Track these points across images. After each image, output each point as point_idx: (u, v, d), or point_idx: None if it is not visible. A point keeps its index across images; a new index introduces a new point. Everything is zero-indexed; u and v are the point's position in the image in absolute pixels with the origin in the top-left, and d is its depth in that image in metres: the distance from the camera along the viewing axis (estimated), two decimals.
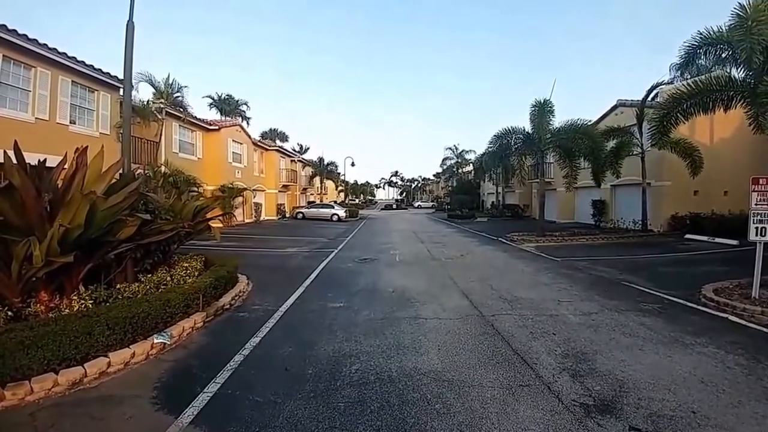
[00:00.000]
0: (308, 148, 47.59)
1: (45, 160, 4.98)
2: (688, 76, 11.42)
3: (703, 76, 10.05)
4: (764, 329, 5.33)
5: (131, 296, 5.32)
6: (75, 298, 4.81)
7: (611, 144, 17.87)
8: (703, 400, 3.43)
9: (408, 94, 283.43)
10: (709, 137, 17.84)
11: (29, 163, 4.60)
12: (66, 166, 5.14)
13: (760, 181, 6.31)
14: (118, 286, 5.55)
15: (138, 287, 5.61)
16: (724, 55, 9.31)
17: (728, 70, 9.51)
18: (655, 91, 16.83)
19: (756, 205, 6.31)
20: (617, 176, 18.15)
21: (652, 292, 7.37)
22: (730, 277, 7.54)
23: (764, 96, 7.66)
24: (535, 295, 7.17)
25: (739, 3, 8.18)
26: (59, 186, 5.00)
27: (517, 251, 13.59)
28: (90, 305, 4.78)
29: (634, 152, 17.35)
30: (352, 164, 44.15)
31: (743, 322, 5.65)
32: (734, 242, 13.39)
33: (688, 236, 15.66)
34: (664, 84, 16.42)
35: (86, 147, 5.22)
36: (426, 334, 5.19)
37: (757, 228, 6.30)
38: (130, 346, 4.36)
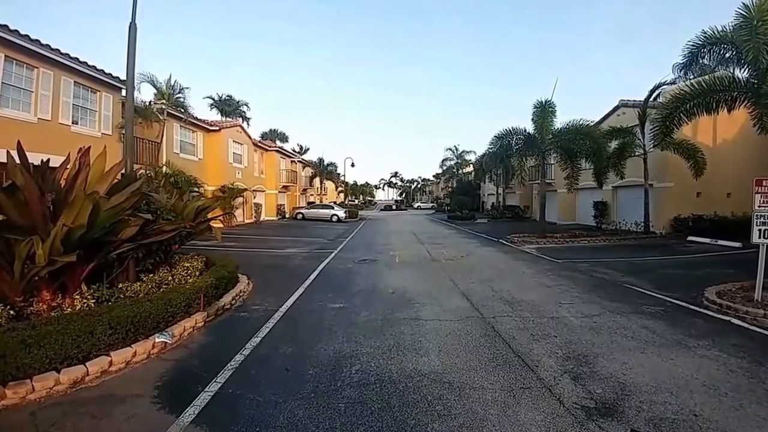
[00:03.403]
0: (308, 149, 47.64)
1: (48, 160, 5.00)
2: (692, 76, 11.38)
3: (706, 77, 10.02)
4: (767, 332, 5.31)
5: (133, 296, 5.34)
6: (77, 297, 4.83)
7: (613, 145, 17.85)
8: (705, 404, 3.42)
9: (408, 94, 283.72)
10: (712, 138, 17.79)
11: (32, 163, 4.62)
12: (69, 166, 5.16)
13: (764, 183, 6.28)
14: (120, 285, 5.56)
15: (140, 287, 5.63)
16: (728, 55, 9.26)
17: (732, 71, 9.48)
18: (657, 92, 16.77)
19: (759, 207, 6.28)
20: (621, 177, 18.09)
21: (654, 294, 7.34)
22: (732, 280, 7.51)
23: None
24: (536, 297, 7.15)
25: (743, 3, 8.15)
26: (62, 186, 5.02)
27: (517, 253, 13.58)
28: (92, 304, 4.79)
29: (637, 153, 17.32)
30: (352, 165, 44.31)
31: (746, 325, 5.62)
32: (737, 244, 13.32)
33: (690, 238, 15.61)
34: (667, 84, 16.39)
35: (89, 147, 5.24)
36: (426, 336, 5.18)
37: (760, 230, 6.28)
38: (132, 346, 4.37)
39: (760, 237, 6.29)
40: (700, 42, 9.60)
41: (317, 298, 7.13)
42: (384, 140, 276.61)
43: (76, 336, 3.90)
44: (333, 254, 12.85)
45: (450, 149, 56.23)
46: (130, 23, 6.47)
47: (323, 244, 15.76)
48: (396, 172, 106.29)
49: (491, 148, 20.46)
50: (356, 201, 76.32)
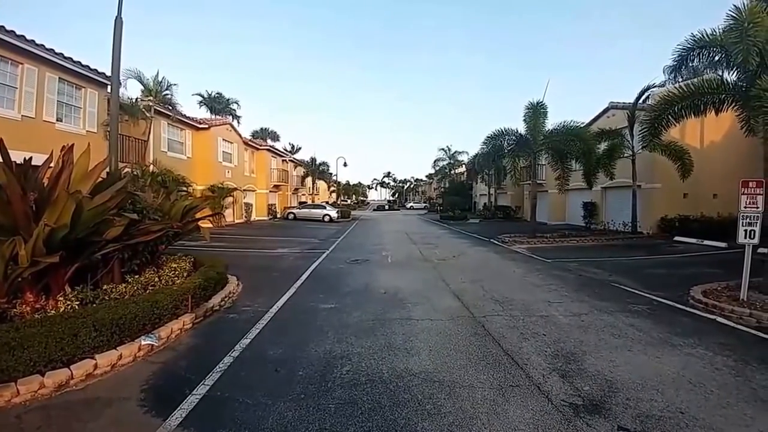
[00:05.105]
0: (300, 148, 47.43)
1: (31, 158, 4.90)
2: (681, 79, 11.53)
3: (695, 79, 10.15)
4: (752, 331, 5.41)
5: (118, 297, 5.24)
6: (61, 299, 4.72)
7: (603, 146, 18.05)
8: (691, 401, 3.47)
9: (401, 95, 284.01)
10: (699, 140, 18.07)
11: (15, 161, 4.51)
12: (52, 165, 5.05)
13: (749, 184, 6.40)
14: (104, 287, 5.45)
15: (125, 288, 5.53)
16: (717, 58, 9.38)
17: (720, 73, 9.61)
18: (646, 94, 17.00)
19: (745, 207, 6.40)
20: (611, 178, 18.30)
21: (641, 293, 7.44)
22: (718, 279, 7.64)
23: (756, 99, 7.73)
24: (526, 297, 7.20)
25: (734, 6, 8.26)
26: (45, 185, 4.91)
27: (508, 253, 13.66)
28: (76, 306, 4.70)
29: (625, 154, 17.53)
30: (345, 164, 43.88)
31: (731, 323, 5.72)
32: (723, 245, 13.57)
33: (677, 238, 15.86)
34: (656, 87, 16.66)
35: (72, 145, 5.12)
36: (417, 335, 5.18)
37: (745, 230, 6.39)
38: (117, 348, 4.29)
39: (745, 237, 6.40)
40: (689, 45, 9.72)
41: (308, 299, 7.09)
42: (377, 140, 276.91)
43: (59, 338, 3.81)
44: (325, 254, 12.79)
45: (443, 149, 56.33)
46: (116, 17, 6.37)
47: (315, 245, 15.68)
48: (389, 172, 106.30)
49: (484, 149, 20.58)
50: (349, 201, 76.21)
